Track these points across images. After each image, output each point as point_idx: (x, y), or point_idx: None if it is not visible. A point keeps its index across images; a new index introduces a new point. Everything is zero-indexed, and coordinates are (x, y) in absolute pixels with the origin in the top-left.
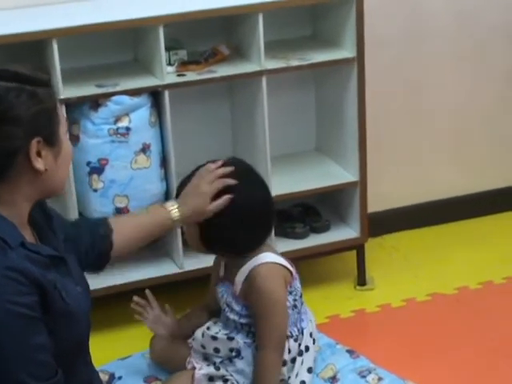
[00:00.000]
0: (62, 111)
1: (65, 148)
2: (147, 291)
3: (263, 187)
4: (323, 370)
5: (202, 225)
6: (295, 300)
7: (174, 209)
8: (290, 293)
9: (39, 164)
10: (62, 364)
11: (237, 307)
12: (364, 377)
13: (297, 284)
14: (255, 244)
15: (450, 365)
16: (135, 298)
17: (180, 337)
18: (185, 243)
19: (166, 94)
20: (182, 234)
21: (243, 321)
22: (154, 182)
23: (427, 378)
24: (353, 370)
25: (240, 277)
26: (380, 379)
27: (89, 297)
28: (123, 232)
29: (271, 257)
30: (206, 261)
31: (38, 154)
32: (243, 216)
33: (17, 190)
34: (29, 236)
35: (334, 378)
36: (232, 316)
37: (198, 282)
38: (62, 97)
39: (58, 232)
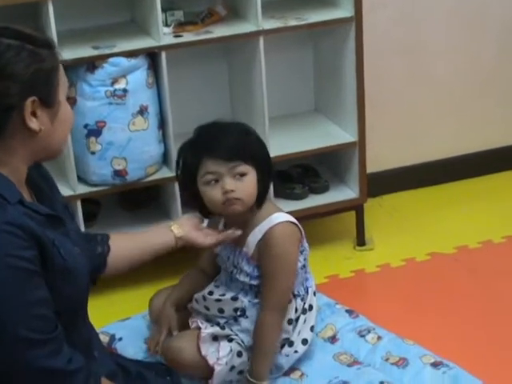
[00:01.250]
0: (63, 74)
1: (63, 111)
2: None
3: None
4: (323, 330)
5: (260, 171)
6: (305, 259)
7: (176, 227)
8: (301, 252)
9: (33, 124)
10: (61, 321)
11: (248, 269)
12: (363, 336)
13: (305, 243)
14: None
15: (449, 323)
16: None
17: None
18: (184, 204)
19: (163, 55)
20: (181, 195)
21: (253, 282)
22: (152, 144)
23: (426, 336)
24: (352, 329)
25: (253, 238)
26: (379, 338)
27: (87, 259)
28: (123, 253)
29: (285, 216)
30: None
31: (33, 114)
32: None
33: (12, 149)
34: (26, 195)
35: (333, 338)
36: (242, 278)
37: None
38: None
39: (56, 194)
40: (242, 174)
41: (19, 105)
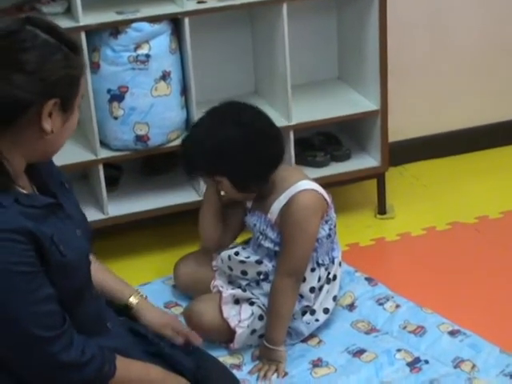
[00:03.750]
0: (84, 83)
1: (73, 118)
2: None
3: (261, 115)
4: (342, 297)
5: (228, 176)
6: (330, 229)
7: (139, 295)
8: (326, 222)
9: (47, 124)
10: (66, 306)
11: (272, 235)
12: (381, 304)
13: (332, 213)
14: (275, 166)
15: (468, 293)
16: None
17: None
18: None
19: (186, 21)
20: None
21: (277, 248)
22: (175, 110)
23: (444, 305)
24: (371, 297)
25: (277, 205)
26: (397, 306)
27: (89, 238)
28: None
29: (310, 184)
30: None
31: (49, 115)
32: (254, 147)
33: (18, 143)
34: (24, 184)
35: (351, 305)
36: (267, 244)
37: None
38: (81, 23)
39: (55, 175)
40: (218, 182)
41: (39, 103)
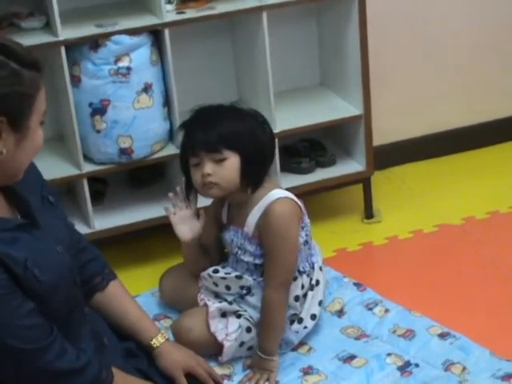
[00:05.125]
0: (43, 100)
1: (31, 137)
2: (178, 189)
3: (266, 121)
4: (330, 304)
5: (244, 156)
6: (307, 235)
7: (163, 335)
8: (302, 228)
9: None
10: (58, 325)
11: (251, 248)
12: (371, 309)
13: (306, 219)
14: (268, 171)
15: (457, 294)
16: (177, 189)
17: (190, 251)
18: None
19: (166, 32)
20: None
21: (258, 261)
22: (157, 121)
23: (434, 308)
24: (360, 302)
25: (253, 217)
26: (387, 311)
27: (70, 255)
28: (111, 306)
29: (282, 192)
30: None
31: None
32: (269, 148)
33: None
34: None
35: (341, 311)
36: (246, 258)
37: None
38: (61, 38)
39: (36, 191)
40: (222, 160)
41: None
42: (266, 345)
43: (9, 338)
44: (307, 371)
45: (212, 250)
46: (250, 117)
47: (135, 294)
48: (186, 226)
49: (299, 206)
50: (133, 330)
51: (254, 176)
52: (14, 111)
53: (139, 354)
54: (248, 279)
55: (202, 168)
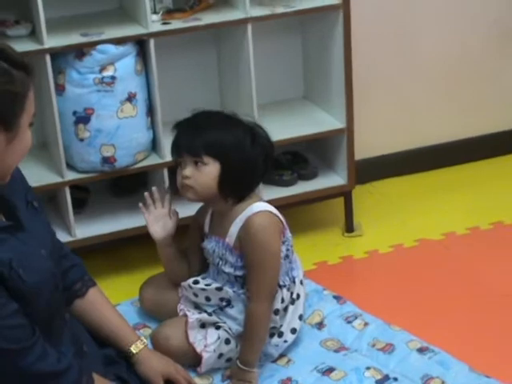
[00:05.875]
0: (32, 102)
1: (21, 138)
2: (154, 188)
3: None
4: (310, 316)
5: (225, 165)
6: (288, 250)
7: (142, 342)
8: (283, 242)
9: None
10: (40, 328)
11: (232, 259)
12: (350, 322)
13: (288, 233)
14: (255, 187)
15: (437, 309)
16: (153, 188)
17: (165, 251)
18: (173, 191)
19: (152, 42)
20: (170, 182)
21: (238, 273)
22: (141, 131)
23: (413, 322)
24: (339, 315)
25: (234, 228)
26: (366, 324)
27: (54, 260)
28: (90, 314)
29: (264, 206)
30: (194, 208)
31: None
32: (258, 164)
33: None
34: None
35: (320, 324)
36: (227, 269)
37: (184, 229)
38: (46, 46)
39: (20, 194)
40: (202, 164)
41: None
42: (246, 356)
43: None
44: (286, 383)
45: (193, 259)
46: (244, 129)
47: (115, 302)
48: (160, 224)
49: (281, 220)
50: (112, 337)
51: (233, 187)
52: (6, 110)
53: (119, 361)
54: (228, 291)
55: (182, 170)
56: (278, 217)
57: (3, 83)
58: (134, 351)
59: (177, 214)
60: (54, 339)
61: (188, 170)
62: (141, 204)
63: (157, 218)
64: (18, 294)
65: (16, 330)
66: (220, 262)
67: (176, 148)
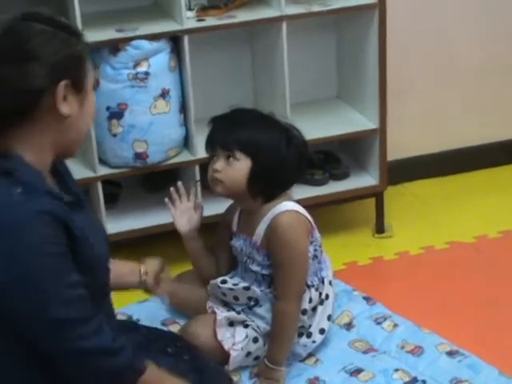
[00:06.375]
0: (91, 67)
1: (89, 101)
2: (179, 183)
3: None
4: (339, 317)
5: (256, 163)
6: (316, 250)
7: (144, 272)
8: (311, 243)
9: (64, 108)
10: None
11: (259, 257)
12: (379, 323)
13: (316, 234)
14: (287, 188)
15: (466, 313)
16: (178, 183)
17: (191, 245)
18: (203, 188)
19: (186, 39)
20: (201, 178)
21: (265, 272)
22: (174, 127)
23: (443, 325)
24: (369, 316)
25: (261, 226)
26: (395, 326)
27: (108, 244)
28: None
29: (292, 205)
30: (224, 205)
31: (64, 99)
32: (293, 167)
33: (41, 134)
34: (51, 183)
35: (349, 325)
36: (255, 267)
37: (214, 226)
38: None
39: (73, 181)
40: (234, 159)
41: (50, 87)
42: (274, 355)
43: (52, 306)
44: (314, 382)
45: (222, 257)
46: (279, 129)
47: (144, 298)
48: (185, 218)
49: (309, 220)
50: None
51: (262, 186)
52: (76, 73)
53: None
54: (255, 290)
55: (213, 163)
56: (305, 217)
57: (67, 47)
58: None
59: (201, 207)
60: (105, 318)
61: (219, 164)
62: (166, 199)
63: (182, 213)
64: (83, 264)
65: (77, 301)
66: (248, 261)
67: (210, 142)
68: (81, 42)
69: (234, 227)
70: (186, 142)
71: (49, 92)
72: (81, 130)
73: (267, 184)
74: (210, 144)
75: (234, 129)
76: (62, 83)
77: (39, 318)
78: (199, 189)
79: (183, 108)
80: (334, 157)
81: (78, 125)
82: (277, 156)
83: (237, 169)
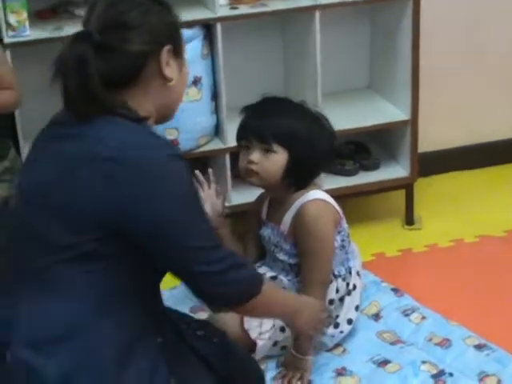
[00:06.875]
0: None
1: (185, 67)
2: (210, 170)
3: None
4: (367, 307)
5: (293, 154)
6: (343, 240)
7: None
8: (339, 232)
9: (168, 71)
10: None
11: (286, 246)
12: (407, 315)
13: (344, 223)
14: (316, 176)
15: (495, 307)
16: (196, 172)
17: (218, 232)
18: (235, 177)
19: (219, 26)
20: (232, 167)
21: (292, 261)
22: (205, 115)
23: (471, 318)
24: (397, 308)
25: (288, 215)
26: (423, 318)
27: None
28: None
29: (320, 194)
30: (254, 194)
31: (167, 64)
32: (324, 154)
33: (148, 96)
34: None
35: (377, 315)
36: (282, 256)
37: (243, 214)
38: None
39: None
40: (270, 152)
41: (156, 52)
42: (301, 344)
43: (193, 239)
44: (341, 372)
45: (250, 245)
46: (312, 119)
47: (172, 285)
48: (208, 205)
49: (336, 209)
50: None
51: (297, 177)
52: (176, 39)
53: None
54: (283, 280)
55: (249, 154)
56: (333, 206)
57: (165, 16)
58: None
59: (223, 193)
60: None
61: (255, 156)
62: None
63: (207, 198)
64: None
65: (211, 232)
66: (275, 250)
67: (244, 132)
68: (172, 13)
69: (264, 215)
70: (217, 130)
71: (153, 57)
72: (179, 95)
73: (301, 174)
74: (244, 134)
75: (269, 120)
76: (166, 48)
77: (184, 246)
78: (212, 178)
79: (215, 96)
80: (364, 147)
81: (177, 90)
82: (311, 146)
83: (274, 161)
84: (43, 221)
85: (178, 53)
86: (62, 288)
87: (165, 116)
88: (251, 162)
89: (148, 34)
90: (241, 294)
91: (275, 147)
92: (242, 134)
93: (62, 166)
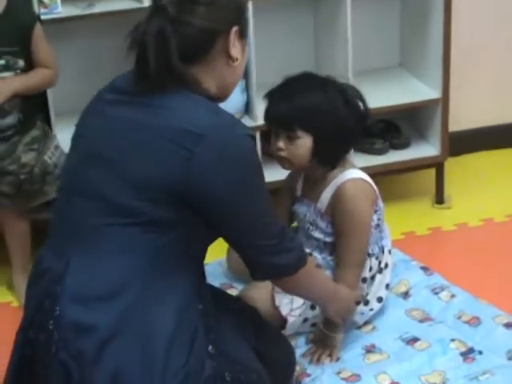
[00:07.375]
0: None
1: (247, 49)
2: None
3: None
4: (396, 285)
5: (318, 136)
6: (379, 219)
7: None
8: (375, 212)
9: (234, 51)
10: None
11: (322, 224)
12: (437, 293)
13: (380, 203)
14: (348, 151)
15: None
16: None
17: None
18: (264, 153)
19: (250, 4)
20: (262, 145)
21: (328, 239)
22: (235, 93)
23: (501, 297)
24: (426, 286)
25: (327, 193)
26: (453, 296)
27: None
28: None
29: (357, 173)
30: (284, 172)
31: (233, 44)
32: (354, 127)
33: (213, 73)
34: None
35: (406, 293)
36: (317, 234)
37: (273, 195)
38: (145, 4)
39: None
40: (295, 138)
41: (225, 31)
42: (330, 322)
43: (260, 216)
44: (370, 349)
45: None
46: (336, 95)
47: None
48: None
49: (374, 188)
50: None
51: (326, 156)
52: (242, 20)
53: None
54: (317, 257)
55: (277, 140)
56: (371, 185)
57: None
58: None
59: None
60: None
61: (281, 143)
62: None
63: None
64: None
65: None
66: (310, 227)
67: (268, 120)
68: None
69: (299, 192)
70: (247, 108)
71: (222, 36)
72: (239, 76)
73: (331, 152)
74: (269, 122)
75: (290, 106)
76: (234, 29)
77: (251, 223)
78: None
79: (245, 74)
80: (394, 126)
81: (237, 71)
82: (336, 122)
83: (299, 146)
84: (108, 181)
85: (243, 33)
86: (115, 248)
87: (222, 96)
88: (279, 149)
89: (218, 12)
90: (290, 264)
91: (299, 133)
92: (266, 121)
93: (137, 134)
